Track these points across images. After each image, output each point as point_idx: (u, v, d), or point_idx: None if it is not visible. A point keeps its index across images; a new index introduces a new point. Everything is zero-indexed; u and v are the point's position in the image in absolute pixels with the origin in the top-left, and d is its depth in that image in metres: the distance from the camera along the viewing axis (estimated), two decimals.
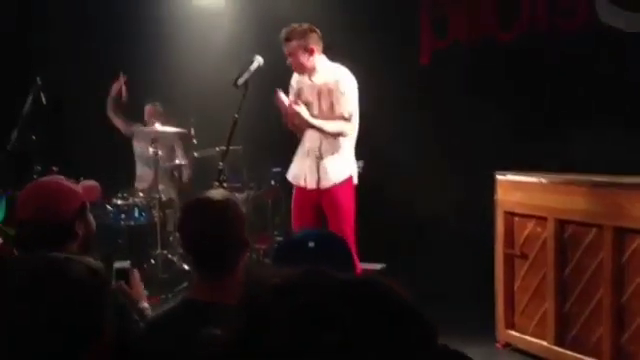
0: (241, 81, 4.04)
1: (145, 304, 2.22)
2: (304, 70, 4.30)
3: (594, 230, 3.53)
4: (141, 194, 5.85)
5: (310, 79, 4.33)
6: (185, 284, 5.24)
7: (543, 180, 3.86)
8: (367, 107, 4.41)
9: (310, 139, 4.34)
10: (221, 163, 4.11)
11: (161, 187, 5.77)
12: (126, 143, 6.36)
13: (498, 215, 4.10)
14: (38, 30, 6.59)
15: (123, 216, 5.62)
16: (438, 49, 5.72)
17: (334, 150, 4.29)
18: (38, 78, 5.29)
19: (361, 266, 4.26)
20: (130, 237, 5.57)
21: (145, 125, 6.06)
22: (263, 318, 0.83)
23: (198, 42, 6.50)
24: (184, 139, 6.06)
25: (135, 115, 6.22)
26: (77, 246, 2.05)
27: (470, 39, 5.53)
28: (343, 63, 4.37)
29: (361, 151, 4.44)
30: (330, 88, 4.26)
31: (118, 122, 6.27)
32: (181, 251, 5.58)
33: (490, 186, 4.14)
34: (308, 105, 4.29)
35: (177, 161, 6.03)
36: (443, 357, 1.02)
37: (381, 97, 4.94)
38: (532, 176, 3.95)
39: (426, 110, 5.55)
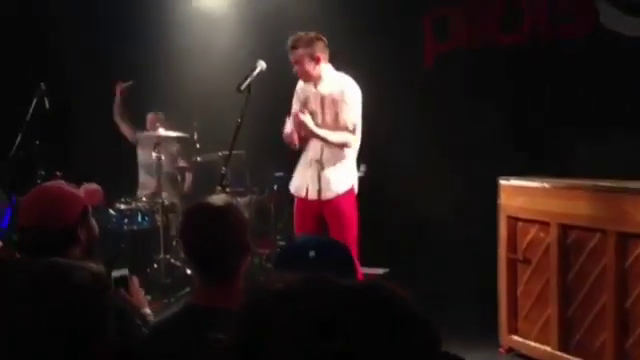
0: (244, 86, 4.04)
1: (147, 310, 2.22)
2: (310, 78, 4.29)
3: (597, 235, 3.52)
4: (144, 199, 5.86)
5: (315, 88, 4.31)
6: (188, 289, 5.24)
7: (546, 185, 3.86)
8: (368, 110, 4.41)
9: (313, 149, 4.32)
10: (224, 168, 4.11)
11: (164, 194, 5.78)
12: (130, 148, 6.37)
13: (501, 220, 4.09)
14: (41, 35, 6.60)
15: (126, 221, 5.62)
16: (440, 52, 5.72)
17: (337, 160, 4.28)
18: (42, 83, 5.31)
19: (362, 271, 4.26)
20: (133, 242, 5.57)
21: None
22: (265, 323, 0.83)
23: (201, 47, 6.51)
24: (187, 144, 6.07)
25: (138, 122, 6.23)
26: (80, 251, 2.05)
27: (472, 43, 5.54)
28: (345, 67, 4.37)
29: (363, 154, 4.43)
30: (335, 98, 4.24)
31: (125, 128, 6.27)
32: (184, 256, 5.59)
33: (492, 189, 4.14)
34: (313, 114, 4.28)
35: (181, 164, 6.04)
36: None
37: (382, 100, 4.93)
38: (535, 181, 3.95)
39: (427, 113, 5.55)
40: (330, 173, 4.27)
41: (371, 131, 4.48)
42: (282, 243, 5.83)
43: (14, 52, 6.42)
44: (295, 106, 4.42)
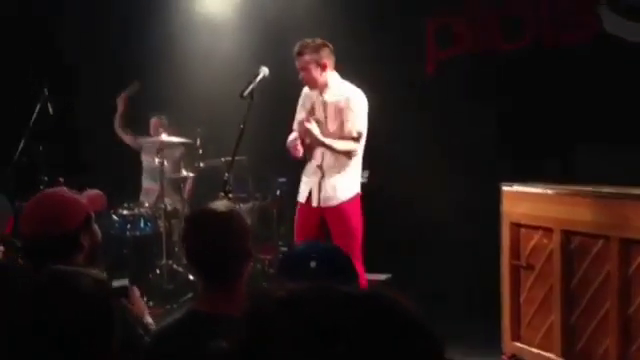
0: (246, 92, 4.05)
1: (149, 319, 2.22)
2: (316, 85, 4.27)
3: (601, 241, 3.51)
4: (147, 204, 5.87)
5: (321, 95, 4.30)
6: (190, 295, 5.24)
7: (549, 191, 3.85)
8: (369, 116, 4.40)
9: (318, 157, 4.31)
10: (227, 174, 4.11)
11: (167, 200, 5.78)
12: (133, 154, 6.38)
13: (504, 226, 4.09)
14: (45, 40, 6.62)
15: (129, 226, 5.63)
16: (442, 58, 5.73)
17: (341, 167, 4.27)
18: (45, 89, 5.33)
19: (366, 277, 4.25)
20: (135, 247, 5.58)
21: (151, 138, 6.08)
22: (267, 330, 0.83)
23: (204, 52, 6.53)
24: (190, 149, 6.08)
25: (142, 127, 6.23)
26: (83, 257, 2.05)
27: (474, 49, 5.55)
28: (346, 71, 4.36)
29: (365, 159, 4.43)
30: (341, 106, 4.23)
31: (127, 138, 6.28)
32: (186, 262, 5.58)
33: (493, 194, 4.14)
34: (318, 122, 4.27)
35: (183, 172, 6.04)
36: None
37: (383, 105, 4.92)
38: (538, 187, 3.94)
39: (429, 118, 5.55)
40: (335, 180, 4.26)
41: (372, 136, 4.48)
42: (284, 249, 5.83)
43: (18, 57, 6.45)
44: (300, 113, 4.41)
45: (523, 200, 4.00)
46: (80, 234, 2.05)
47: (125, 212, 5.68)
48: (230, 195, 4.10)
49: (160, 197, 5.78)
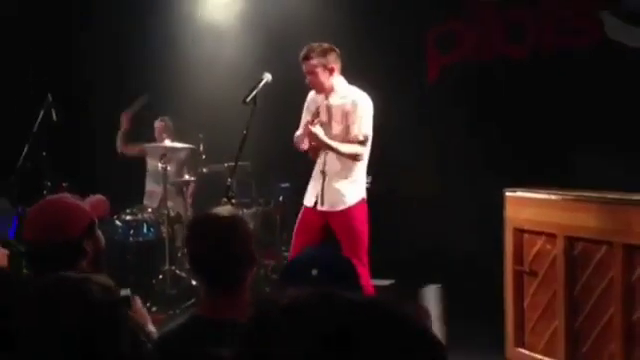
0: (249, 98, 4.05)
1: (152, 328, 2.22)
2: (322, 89, 4.26)
3: (604, 247, 3.51)
4: (149, 210, 5.87)
5: (327, 99, 4.29)
6: (193, 300, 5.24)
7: (552, 197, 3.85)
8: (372, 120, 4.40)
9: (324, 161, 4.30)
10: (230, 179, 4.12)
11: (170, 203, 5.79)
12: (136, 159, 6.39)
13: (507, 232, 4.08)
14: (47, 47, 6.65)
15: (132, 232, 5.64)
16: (444, 64, 5.74)
17: (347, 172, 4.25)
18: (49, 94, 5.34)
19: (373, 283, 4.25)
20: (138, 253, 5.58)
21: (155, 141, 6.08)
22: (271, 336, 0.83)
23: (207, 59, 6.54)
24: (193, 154, 6.09)
25: (146, 132, 6.24)
26: (87, 263, 2.05)
27: (476, 55, 5.55)
28: (349, 76, 4.37)
29: (368, 165, 4.42)
30: (347, 110, 4.22)
31: (132, 151, 6.26)
32: (189, 267, 5.58)
33: (497, 201, 4.13)
34: (323, 126, 4.26)
35: (186, 177, 6.05)
36: None
37: (385, 111, 4.94)
38: (541, 193, 3.94)
39: (431, 124, 5.56)
40: (341, 185, 4.25)
41: (375, 141, 4.48)
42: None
43: (21, 64, 6.47)
44: (305, 117, 4.41)
45: (526, 206, 4.00)
46: (84, 240, 2.06)
47: (128, 218, 5.68)
48: (233, 200, 4.10)
49: (163, 201, 5.79)
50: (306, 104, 4.43)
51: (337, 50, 4.25)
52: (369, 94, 4.32)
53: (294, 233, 4.40)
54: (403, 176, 5.54)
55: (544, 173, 4.59)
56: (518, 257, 4.02)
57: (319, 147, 4.28)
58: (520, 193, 4.05)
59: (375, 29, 5.81)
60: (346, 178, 4.26)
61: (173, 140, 5.89)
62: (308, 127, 4.19)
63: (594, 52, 4.90)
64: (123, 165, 6.43)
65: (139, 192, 6.32)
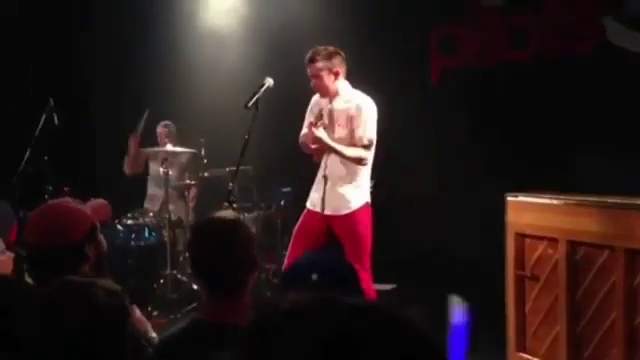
0: (251, 102, 4.05)
1: (153, 334, 2.22)
2: (327, 93, 4.25)
3: (606, 252, 3.50)
4: (151, 214, 5.88)
5: (331, 103, 4.28)
6: (194, 304, 5.24)
7: (554, 201, 3.84)
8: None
9: (327, 165, 4.29)
10: (231, 183, 4.12)
11: (171, 207, 5.79)
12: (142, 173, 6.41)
13: (509, 236, 4.08)
14: (47, 47, 6.66)
15: (133, 236, 5.64)
16: (446, 69, 5.74)
17: (352, 177, 4.24)
18: (51, 99, 5.35)
19: (375, 288, 4.24)
20: (140, 257, 5.58)
21: (158, 146, 6.09)
22: (272, 341, 0.83)
23: (209, 63, 6.55)
24: (195, 158, 6.09)
25: (149, 137, 6.25)
26: (89, 267, 2.05)
27: (479, 59, 5.56)
28: (351, 81, 4.37)
29: (372, 169, 4.42)
30: (351, 114, 4.20)
31: (139, 168, 6.27)
32: (190, 271, 5.58)
33: (500, 207, 4.13)
34: (326, 129, 4.24)
35: (188, 181, 6.06)
36: None
37: (386, 116, 4.95)
38: (543, 197, 3.93)
39: (432, 129, 5.56)
40: (345, 189, 4.24)
41: (377, 146, 4.48)
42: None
43: (23, 68, 6.49)
44: (309, 120, 4.39)
45: (528, 210, 4.00)
46: (85, 245, 2.05)
47: (129, 222, 5.69)
48: (234, 205, 4.10)
49: (164, 205, 5.79)
50: (309, 107, 4.43)
51: (342, 54, 4.24)
52: (372, 98, 4.32)
53: (293, 235, 4.40)
54: (405, 179, 5.54)
55: (546, 178, 4.59)
56: (520, 262, 4.02)
57: (322, 150, 4.27)
58: (522, 198, 4.05)
59: (378, 34, 5.82)
60: (350, 182, 4.25)
61: (175, 145, 5.90)
62: (312, 132, 4.18)
63: (596, 57, 4.90)
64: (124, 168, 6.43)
65: (140, 196, 6.33)
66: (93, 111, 6.61)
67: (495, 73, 5.47)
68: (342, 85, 4.25)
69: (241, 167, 4.23)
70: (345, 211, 4.23)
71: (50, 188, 5.15)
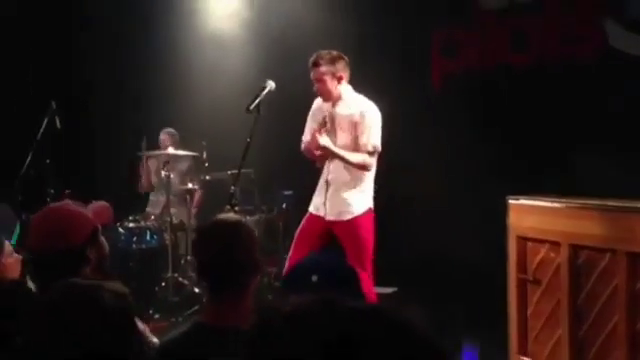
0: (253, 105, 4.05)
1: (154, 339, 2.22)
2: (330, 97, 4.23)
3: (608, 255, 3.49)
4: (152, 217, 5.88)
5: (333, 108, 4.26)
6: (196, 307, 5.24)
7: (556, 205, 3.84)
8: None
9: (330, 170, 4.28)
10: (233, 186, 4.12)
11: (173, 210, 5.80)
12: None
13: (510, 240, 4.07)
14: (52, 57, 6.67)
15: (135, 239, 5.64)
16: (448, 72, 5.75)
17: (355, 182, 4.23)
18: (53, 102, 5.36)
19: (375, 291, 4.24)
20: (141, 260, 5.59)
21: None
22: (273, 345, 0.83)
23: (211, 66, 6.56)
24: (196, 162, 6.10)
25: (152, 143, 6.25)
26: (90, 270, 2.05)
27: (480, 63, 5.56)
28: (353, 86, 4.37)
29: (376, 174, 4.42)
30: (355, 120, 4.18)
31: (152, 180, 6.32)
32: (192, 274, 5.59)
33: (502, 210, 4.12)
34: (328, 134, 4.21)
35: (189, 185, 6.06)
36: None
37: (388, 121, 4.96)
38: (545, 201, 3.93)
39: (434, 133, 5.55)
40: (348, 194, 4.22)
41: (381, 150, 4.48)
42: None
43: (21, 63, 6.49)
44: (310, 125, 4.37)
45: (530, 213, 3.99)
46: (87, 247, 2.05)
47: (131, 225, 5.69)
48: (236, 208, 4.10)
49: (166, 208, 5.80)
50: (311, 112, 4.42)
51: (346, 58, 4.23)
52: (373, 100, 4.31)
53: (295, 239, 4.39)
54: (406, 182, 5.53)
55: (548, 181, 4.59)
56: (522, 265, 4.01)
57: (326, 156, 4.26)
58: (523, 201, 4.05)
59: (379, 38, 5.82)
60: (354, 187, 4.24)
61: (177, 149, 5.91)
62: (316, 137, 4.16)
63: (598, 60, 4.90)
64: (126, 172, 6.44)
65: (142, 199, 6.33)
66: (94, 113, 6.62)
67: (496, 76, 5.47)
68: (345, 90, 4.24)
69: (243, 170, 4.23)
70: (348, 216, 4.22)
71: (52, 191, 5.16)
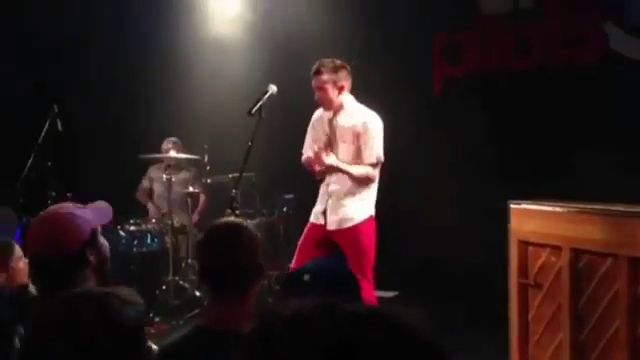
0: (255, 109, 4.05)
1: (153, 345, 2.22)
2: (331, 106, 4.20)
3: (609, 260, 3.49)
4: (154, 220, 5.88)
5: (334, 117, 4.24)
6: (197, 310, 5.23)
7: (557, 209, 3.84)
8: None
9: (332, 181, 4.26)
10: (234, 190, 4.12)
11: (174, 215, 5.80)
12: (141, 171, 6.41)
13: (512, 244, 4.07)
14: (55, 60, 6.68)
15: (136, 242, 5.64)
16: (450, 77, 5.75)
17: (356, 190, 4.21)
18: (55, 105, 5.37)
19: (376, 295, 4.23)
20: (142, 263, 5.59)
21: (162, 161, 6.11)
22: (274, 349, 0.83)
23: (213, 70, 6.57)
24: (197, 166, 6.10)
25: (155, 146, 6.25)
26: (91, 272, 2.04)
27: (483, 67, 5.57)
28: (356, 90, 4.36)
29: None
30: (358, 131, 4.16)
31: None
32: (193, 277, 5.59)
33: (503, 214, 4.12)
34: (332, 146, 4.21)
35: (191, 189, 6.06)
36: None
37: (390, 124, 4.96)
38: (546, 205, 3.92)
39: (436, 137, 5.56)
40: (349, 202, 4.21)
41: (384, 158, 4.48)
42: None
43: (30, 76, 6.50)
44: (310, 137, 4.35)
45: (531, 218, 3.99)
46: (86, 250, 2.05)
47: (132, 228, 5.69)
48: (237, 211, 4.10)
49: (168, 214, 5.79)
50: (311, 122, 4.39)
51: (348, 67, 4.20)
52: (374, 107, 4.31)
53: (297, 248, 4.39)
54: (407, 186, 5.53)
55: (549, 184, 4.59)
56: (523, 269, 4.00)
57: (327, 171, 4.23)
58: (525, 205, 4.04)
59: (381, 42, 5.83)
60: (355, 196, 4.22)
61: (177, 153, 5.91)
62: (319, 155, 4.13)
63: (598, 63, 4.91)
64: (127, 175, 6.44)
65: (144, 206, 6.34)
66: (95, 116, 6.62)
67: (497, 79, 5.47)
68: (347, 99, 4.21)
69: (244, 174, 4.24)
70: (348, 224, 4.20)
71: (53, 194, 5.16)
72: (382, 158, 4.21)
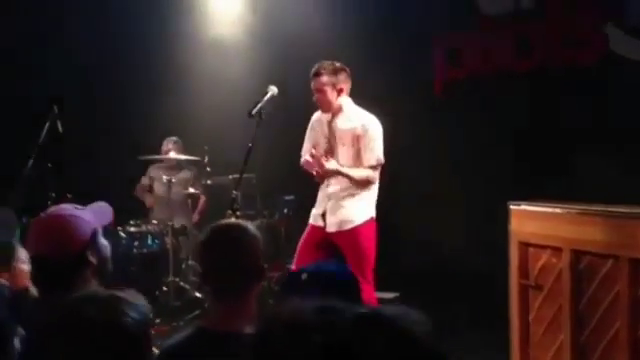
0: (255, 110, 4.05)
1: (154, 349, 2.22)
2: (329, 109, 4.21)
3: (610, 261, 3.48)
4: (154, 221, 5.88)
5: (334, 121, 4.24)
6: (197, 312, 5.23)
7: (558, 210, 3.83)
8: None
9: (331, 183, 4.25)
10: (235, 191, 4.12)
11: (175, 215, 5.80)
12: (141, 172, 6.41)
13: (512, 245, 4.06)
14: (55, 61, 6.68)
15: (136, 243, 5.64)
16: (451, 78, 5.75)
17: (355, 191, 4.21)
18: (55, 106, 5.36)
19: (376, 296, 4.23)
20: (143, 264, 5.58)
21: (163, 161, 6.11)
22: (275, 351, 0.83)
23: (214, 72, 6.58)
24: (198, 167, 6.10)
25: (155, 147, 6.25)
26: (91, 272, 2.04)
27: (483, 69, 5.57)
28: (356, 92, 4.36)
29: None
30: (357, 134, 4.16)
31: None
32: (193, 279, 5.59)
33: (504, 216, 4.12)
34: (332, 149, 4.21)
35: (191, 190, 6.06)
36: None
37: (390, 126, 4.96)
38: (546, 206, 3.92)
39: (435, 138, 5.56)
40: (350, 204, 4.21)
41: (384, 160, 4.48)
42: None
43: (28, 77, 6.50)
44: (308, 140, 4.35)
45: (531, 219, 3.99)
46: (87, 251, 2.05)
47: (132, 229, 5.69)
48: (238, 213, 4.10)
49: (169, 215, 5.79)
50: (310, 125, 4.39)
51: (348, 70, 4.21)
52: (375, 109, 4.30)
53: (297, 250, 4.39)
54: (408, 187, 5.53)
55: (550, 185, 4.59)
56: (523, 271, 4.00)
57: (326, 175, 4.23)
58: (525, 206, 4.04)
59: (382, 44, 5.83)
60: (354, 197, 4.22)
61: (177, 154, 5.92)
62: (319, 160, 4.12)
63: (599, 64, 4.90)
64: (127, 176, 6.44)
65: (144, 205, 6.33)
66: (96, 117, 6.62)
67: (498, 80, 5.47)
68: (345, 102, 4.21)
69: (245, 175, 4.24)
70: (348, 226, 4.20)
71: (53, 195, 5.16)
72: (382, 160, 4.21)
